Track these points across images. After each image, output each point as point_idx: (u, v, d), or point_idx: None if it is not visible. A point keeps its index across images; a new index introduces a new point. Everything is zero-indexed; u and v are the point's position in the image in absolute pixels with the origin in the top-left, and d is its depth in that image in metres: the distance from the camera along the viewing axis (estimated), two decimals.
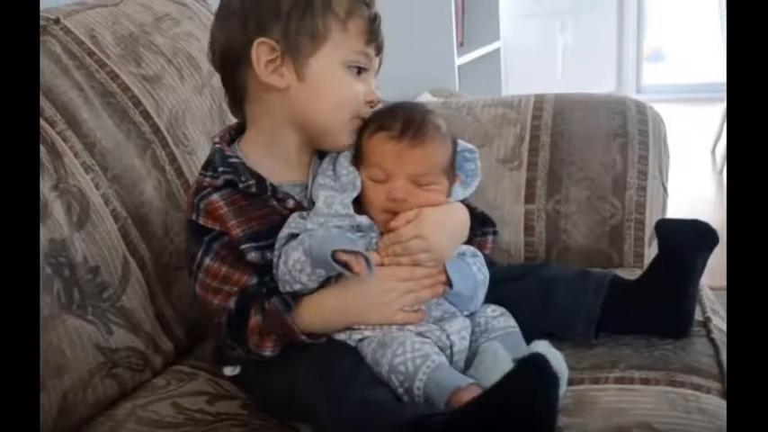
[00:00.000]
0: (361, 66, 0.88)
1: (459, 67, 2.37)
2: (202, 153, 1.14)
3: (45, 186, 0.92)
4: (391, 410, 0.73)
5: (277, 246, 0.86)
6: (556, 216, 1.15)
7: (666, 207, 1.18)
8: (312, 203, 0.88)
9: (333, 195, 0.86)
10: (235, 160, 0.88)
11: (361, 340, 0.84)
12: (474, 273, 0.88)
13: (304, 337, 0.82)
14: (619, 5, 4.43)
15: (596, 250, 1.14)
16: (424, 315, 0.84)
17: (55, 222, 0.91)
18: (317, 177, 0.89)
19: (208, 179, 0.88)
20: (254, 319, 0.83)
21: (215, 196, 0.86)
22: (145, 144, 1.07)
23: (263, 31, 0.86)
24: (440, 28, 2.28)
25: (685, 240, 0.88)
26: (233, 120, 1.23)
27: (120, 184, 1.01)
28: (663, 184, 1.16)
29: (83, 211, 0.95)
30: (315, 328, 0.83)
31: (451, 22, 2.31)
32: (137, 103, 1.08)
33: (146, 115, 1.08)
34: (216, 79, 1.21)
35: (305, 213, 0.87)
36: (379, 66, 0.93)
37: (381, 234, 0.86)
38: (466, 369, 0.83)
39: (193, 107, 1.16)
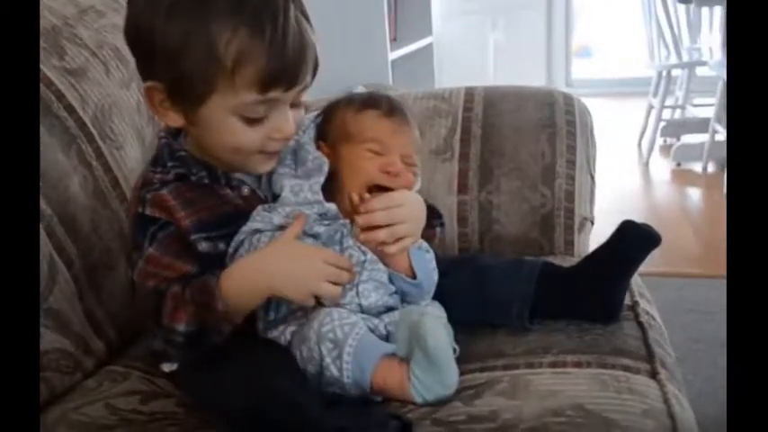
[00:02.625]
0: (255, 117, 0.82)
1: (393, 61, 2.38)
2: (131, 148, 1.12)
3: None
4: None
5: (237, 238, 0.85)
6: (488, 206, 1.17)
7: (594, 196, 1.21)
8: (273, 196, 0.88)
9: (299, 183, 0.86)
10: (183, 153, 0.87)
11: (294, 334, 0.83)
12: (431, 269, 0.90)
13: (219, 304, 0.78)
14: (548, 3, 4.53)
15: (528, 239, 1.17)
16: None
17: None
18: (277, 167, 0.89)
19: (158, 175, 0.86)
20: (173, 290, 0.80)
21: (163, 191, 0.85)
22: (70, 139, 1.03)
23: (151, 74, 0.83)
24: (373, 23, 2.29)
25: (637, 239, 0.90)
26: None
27: (43, 181, 0.97)
28: (590, 174, 1.19)
29: None
30: (234, 296, 0.79)
31: (384, 17, 2.32)
32: (60, 96, 1.04)
33: (70, 109, 1.05)
34: None
35: (268, 206, 0.87)
36: (313, 78, 0.86)
37: (351, 223, 0.87)
38: None
39: (120, 101, 1.13)
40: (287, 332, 0.84)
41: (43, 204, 0.96)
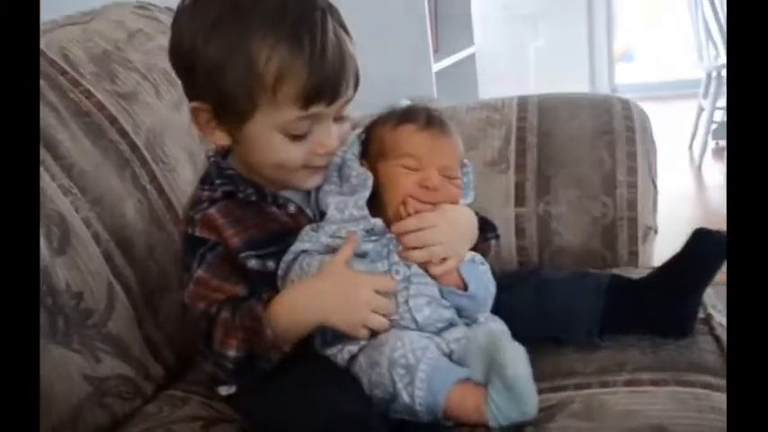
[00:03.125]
0: (299, 134, 0.82)
1: (436, 73, 2.36)
2: (183, 170, 1.12)
3: None
4: None
5: (285, 258, 0.84)
6: (547, 218, 1.14)
7: (657, 203, 1.17)
8: (320, 214, 0.87)
9: (344, 200, 0.85)
10: (231, 172, 0.87)
11: (353, 357, 0.81)
12: (486, 280, 0.87)
13: (269, 331, 0.77)
14: (588, 8, 4.46)
15: (590, 250, 1.13)
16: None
17: None
18: (323, 185, 0.88)
19: (206, 193, 0.86)
20: (223, 315, 0.80)
21: (211, 210, 0.85)
22: (124, 163, 1.03)
23: (195, 95, 0.84)
24: (415, 35, 2.27)
25: (712, 247, 0.86)
26: None
27: (100, 206, 0.97)
28: (653, 180, 1.15)
29: (63, 235, 0.91)
30: (283, 324, 0.78)
31: (426, 28, 2.30)
32: (113, 120, 1.05)
33: (123, 133, 1.05)
34: None
35: (315, 225, 0.86)
36: (355, 90, 0.84)
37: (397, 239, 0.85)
38: None
39: (172, 124, 1.13)
40: (344, 351, 0.82)
41: (100, 229, 0.96)
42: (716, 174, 3.26)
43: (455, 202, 0.88)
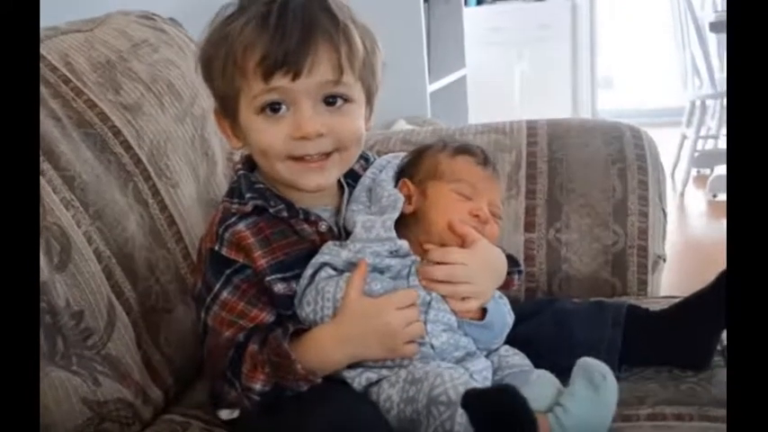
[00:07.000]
0: (271, 102, 0.79)
1: (429, 94, 2.35)
2: (185, 185, 1.08)
3: None
4: None
5: (305, 274, 0.82)
6: (557, 244, 1.12)
7: (666, 233, 1.16)
8: (346, 233, 0.85)
9: (371, 219, 0.83)
10: (261, 186, 0.85)
11: (375, 383, 0.79)
12: (504, 312, 0.85)
13: (299, 367, 0.76)
14: (572, 34, 4.51)
15: (599, 279, 1.11)
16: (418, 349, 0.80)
17: None
18: (350, 204, 0.87)
19: (235, 206, 0.84)
20: (252, 347, 0.79)
21: (241, 225, 0.82)
22: (126, 177, 1.00)
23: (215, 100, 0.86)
24: (412, 56, 2.27)
25: None
26: (215, 150, 1.17)
27: (102, 221, 0.93)
28: (663, 209, 1.14)
29: (64, 250, 0.87)
30: (312, 363, 0.77)
31: (423, 49, 2.30)
32: (116, 132, 1.01)
33: (126, 146, 1.02)
34: (197, 107, 1.16)
35: (339, 242, 0.84)
36: (342, 75, 0.79)
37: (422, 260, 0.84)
38: None
39: (175, 137, 1.10)
40: (363, 377, 0.80)
41: (102, 245, 0.92)
42: (697, 202, 3.29)
43: (493, 241, 0.87)
